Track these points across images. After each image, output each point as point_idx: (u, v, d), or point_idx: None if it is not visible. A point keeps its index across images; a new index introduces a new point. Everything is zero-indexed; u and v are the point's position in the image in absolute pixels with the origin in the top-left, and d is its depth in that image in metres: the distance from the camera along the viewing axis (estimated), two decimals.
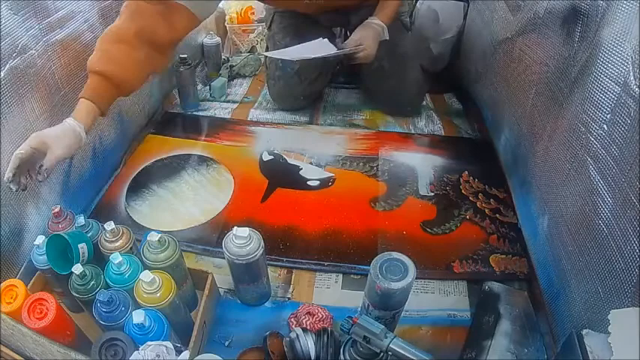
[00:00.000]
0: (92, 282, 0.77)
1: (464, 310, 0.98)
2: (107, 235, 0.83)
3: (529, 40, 1.13)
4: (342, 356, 0.72)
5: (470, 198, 1.25)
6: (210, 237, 1.13)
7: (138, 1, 0.96)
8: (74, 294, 0.77)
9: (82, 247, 0.79)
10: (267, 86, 1.64)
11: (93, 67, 0.92)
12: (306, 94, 1.56)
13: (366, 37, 1.27)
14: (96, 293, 0.75)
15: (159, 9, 0.97)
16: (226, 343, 0.91)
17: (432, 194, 1.27)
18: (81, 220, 0.85)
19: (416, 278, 0.73)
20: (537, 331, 0.92)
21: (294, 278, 1.05)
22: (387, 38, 1.30)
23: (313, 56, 1.26)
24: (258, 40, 1.97)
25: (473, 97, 1.64)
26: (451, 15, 1.76)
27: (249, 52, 1.97)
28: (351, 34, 1.35)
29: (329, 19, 1.47)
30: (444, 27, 1.76)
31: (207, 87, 1.71)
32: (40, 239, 0.79)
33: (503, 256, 1.09)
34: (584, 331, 0.62)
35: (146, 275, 0.73)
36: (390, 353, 0.66)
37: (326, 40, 1.29)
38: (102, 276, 0.79)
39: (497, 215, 1.19)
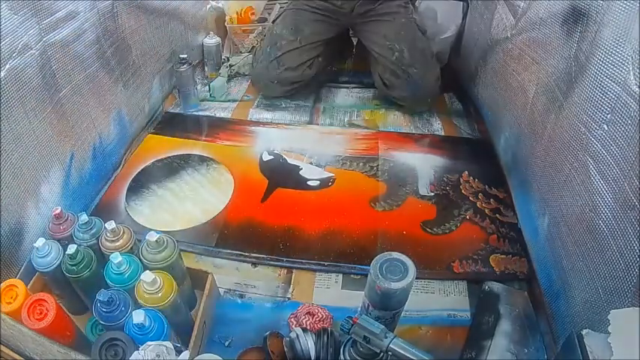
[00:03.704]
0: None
1: (464, 310, 0.98)
2: (108, 235, 0.83)
3: (529, 39, 1.13)
4: (342, 356, 0.72)
5: (470, 198, 1.25)
6: (210, 237, 1.13)
7: None
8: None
9: None
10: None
11: None
12: (282, 78, 1.59)
13: None
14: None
15: None
16: (226, 343, 0.91)
17: (432, 194, 1.27)
18: (84, 217, 0.85)
19: (416, 278, 0.73)
20: (537, 331, 0.92)
21: (294, 278, 1.05)
22: None
23: None
24: (258, 40, 1.96)
25: (473, 96, 1.63)
26: (450, 14, 1.76)
27: (249, 52, 1.96)
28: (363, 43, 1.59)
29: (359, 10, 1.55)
30: (443, 26, 1.76)
31: (207, 87, 1.71)
32: (41, 242, 0.79)
33: (503, 256, 1.09)
34: (584, 331, 0.62)
35: (147, 275, 0.73)
36: (390, 353, 0.66)
37: None
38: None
39: (497, 215, 1.19)
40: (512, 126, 1.23)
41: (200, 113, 1.62)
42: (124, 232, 0.85)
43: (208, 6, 1.92)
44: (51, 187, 1.03)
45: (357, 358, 0.70)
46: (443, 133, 1.54)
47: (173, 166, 1.36)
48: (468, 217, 1.19)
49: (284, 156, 1.41)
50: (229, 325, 0.94)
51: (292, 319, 0.93)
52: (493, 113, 1.43)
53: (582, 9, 0.85)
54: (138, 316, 0.68)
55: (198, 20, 1.84)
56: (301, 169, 1.36)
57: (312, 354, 0.78)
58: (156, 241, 0.80)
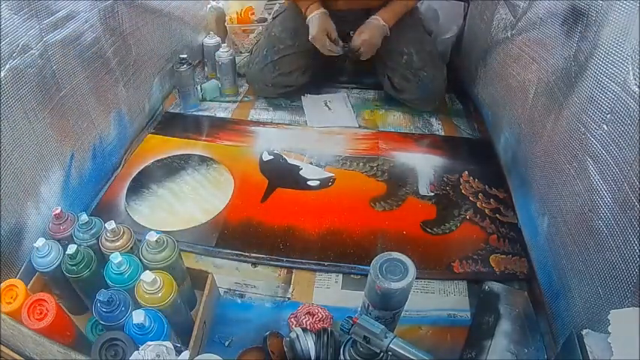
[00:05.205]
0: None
1: (464, 310, 0.98)
2: (108, 235, 0.83)
3: (529, 39, 1.13)
4: (342, 356, 0.72)
5: (470, 198, 1.25)
6: (210, 237, 1.13)
7: None
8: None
9: None
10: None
11: None
12: (276, 82, 1.61)
13: (363, 29, 1.48)
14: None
15: None
16: (226, 343, 0.91)
17: (432, 194, 1.27)
18: (84, 217, 0.85)
19: (416, 278, 0.73)
20: (537, 331, 0.92)
21: (294, 278, 1.05)
22: (388, 34, 1.47)
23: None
24: (258, 40, 1.96)
25: (473, 97, 1.64)
26: (451, 15, 1.76)
27: (249, 52, 1.96)
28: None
29: (354, 16, 1.55)
30: (444, 26, 1.77)
31: (199, 87, 1.67)
32: (41, 242, 0.79)
33: (503, 256, 1.09)
34: (584, 331, 0.62)
35: (147, 275, 0.73)
36: (390, 353, 0.66)
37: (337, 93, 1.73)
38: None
39: (497, 215, 1.19)
40: (512, 126, 1.23)
41: (200, 113, 1.62)
42: (124, 232, 0.85)
43: (208, 6, 1.92)
44: (51, 187, 1.03)
45: (357, 358, 0.70)
46: (443, 133, 1.54)
47: (173, 166, 1.36)
48: (468, 217, 1.19)
49: (284, 156, 1.41)
50: (229, 325, 0.94)
51: (292, 319, 0.93)
52: (493, 113, 1.43)
53: (582, 9, 0.85)
54: (138, 316, 0.68)
55: (199, 20, 1.84)
56: (301, 169, 1.36)
57: (312, 354, 0.78)
58: (156, 241, 0.80)
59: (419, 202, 1.24)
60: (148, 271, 0.74)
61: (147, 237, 0.80)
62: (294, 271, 1.06)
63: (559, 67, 0.94)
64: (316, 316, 0.91)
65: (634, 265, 0.65)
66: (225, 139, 1.48)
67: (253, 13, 1.94)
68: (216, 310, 0.96)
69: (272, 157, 1.41)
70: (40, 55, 0.95)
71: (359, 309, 0.85)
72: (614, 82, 0.72)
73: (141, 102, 1.47)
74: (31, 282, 0.86)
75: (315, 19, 1.45)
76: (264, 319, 0.95)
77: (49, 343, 0.68)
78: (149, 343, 0.67)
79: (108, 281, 0.78)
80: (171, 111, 1.64)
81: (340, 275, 1.06)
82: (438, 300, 1.00)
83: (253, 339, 0.90)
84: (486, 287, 1.00)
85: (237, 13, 1.91)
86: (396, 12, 1.47)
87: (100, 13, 1.16)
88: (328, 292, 1.02)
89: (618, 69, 0.71)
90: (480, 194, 1.26)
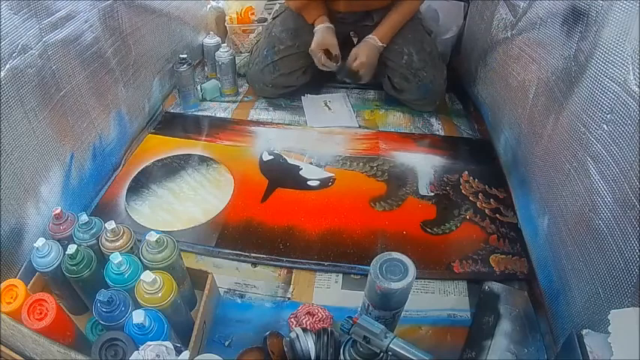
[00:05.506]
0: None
1: (464, 310, 0.98)
2: (108, 235, 0.83)
3: (529, 39, 1.13)
4: (342, 356, 0.72)
5: (470, 198, 1.25)
6: (210, 237, 1.13)
7: None
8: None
9: None
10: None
11: None
12: (276, 83, 1.62)
13: (361, 50, 1.49)
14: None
15: None
16: (226, 343, 0.91)
17: (432, 194, 1.27)
18: (84, 217, 0.85)
19: (416, 278, 0.73)
20: (537, 331, 0.92)
21: (294, 278, 1.05)
22: (385, 45, 1.49)
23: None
24: (258, 40, 1.96)
25: (473, 96, 1.64)
26: (451, 15, 1.76)
27: (249, 52, 1.96)
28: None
29: (354, 17, 1.56)
30: (444, 27, 1.77)
31: (199, 87, 1.67)
32: (41, 242, 0.79)
33: (503, 256, 1.09)
34: (584, 331, 0.62)
35: (147, 275, 0.73)
36: (390, 353, 0.66)
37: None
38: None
39: (497, 215, 1.19)
40: (513, 126, 1.23)
41: (200, 113, 1.62)
42: (124, 232, 0.85)
43: (208, 6, 1.92)
44: (51, 187, 1.03)
45: (357, 358, 0.70)
46: (443, 133, 1.54)
47: (173, 166, 1.35)
48: (468, 217, 1.19)
49: (284, 156, 1.41)
50: (229, 325, 0.94)
51: (292, 319, 0.93)
52: (493, 113, 1.43)
53: (582, 9, 0.85)
54: (138, 316, 0.68)
55: (199, 20, 1.84)
56: (301, 169, 1.36)
57: (312, 354, 0.78)
58: (156, 241, 0.80)
59: (419, 202, 1.24)
60: (147, 271, 0.74)
61: (147, 237, 0.80)
62: (294, 271, 1.06)
63: (559, 67, 0.95)
64: (316, 316, 0.91)
65: (634, 265, 0.65)
66: (225, 139, 1.48)
67: (253, 13, 1.94)
68: (216, 310, 0.96)
69: (272, 157, 1.41)
70: (39, 55, 0.95)
71: (359, 309, 0.85)
72: (614, 82, 0.72)
73: (141, 102, 1.47)
74: (31, 282, 0.86)
75: (317, 32, 1.48)
76: (264, 319, 0.95)
77: (49, 343, 0.68)
78: (149, 343, 0.67)
79: (108, 281, 0.78)
80: (172, 111, 1.64)
81: (340, 275, 1.06)
82: (438, 300, 1.00)
83: (253, 339, 0.90)
84: (486, 287, 1.00)
85: (237, 13, 1.91)
86: (394, 29, 1.48)
87: (100, 13, 1.16)
88: (328, 292, 1.02)
89: (618, 69, 0.71)
90: (480, 194, 1.26)
